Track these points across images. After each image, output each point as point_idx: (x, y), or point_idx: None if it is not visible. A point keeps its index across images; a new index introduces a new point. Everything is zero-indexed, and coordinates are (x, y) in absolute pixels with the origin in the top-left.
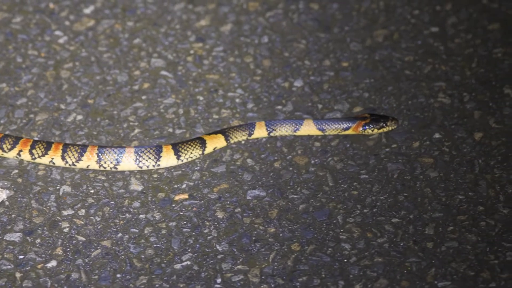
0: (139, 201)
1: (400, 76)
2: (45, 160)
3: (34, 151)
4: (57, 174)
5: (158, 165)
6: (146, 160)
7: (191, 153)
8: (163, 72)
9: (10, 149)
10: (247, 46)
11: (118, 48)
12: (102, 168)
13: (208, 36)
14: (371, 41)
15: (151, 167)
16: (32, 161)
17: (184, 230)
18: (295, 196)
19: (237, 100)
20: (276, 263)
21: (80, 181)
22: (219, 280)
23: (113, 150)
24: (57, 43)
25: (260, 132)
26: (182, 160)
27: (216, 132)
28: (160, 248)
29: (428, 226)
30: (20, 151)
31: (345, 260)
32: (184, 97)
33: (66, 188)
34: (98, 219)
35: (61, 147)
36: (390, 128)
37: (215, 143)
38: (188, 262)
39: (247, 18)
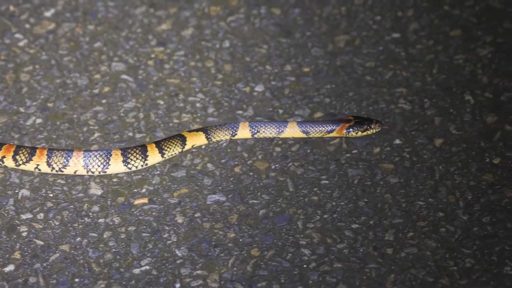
0: (99, 205)
1: (361, 81)
2: (30, 166)
3: (17, 157)
4: (16, 177)
5: (146, 164)
6: (135, 161)
7: (173, 150)
8: (124, 76)
9: None
10: (208, 51)
11: (79, 51)
12: (90, 173)
13: (169, 40)
14: (333, 47)
15: (140, 167)
16: (16, 167)
17: (144, 234)
18: (255, 201)
19: (198, 105)
20: (235, 268)
21: (39, 185)
22: (178, 285)
23: (99, 153)
24: (17, 46)
25: (244, 133)
26: (165, 157)
27: (197, 130)
28: (119, 253)
29: (388, 232)
30: (4, 157)
31: (305, 266)
32: (144, 101)
33: (25, 192)
34: (57, 223)
35: (46, 152)
36: (375, 131)
37: (195, 140)
38: (147, 267)
39: (208, 23)
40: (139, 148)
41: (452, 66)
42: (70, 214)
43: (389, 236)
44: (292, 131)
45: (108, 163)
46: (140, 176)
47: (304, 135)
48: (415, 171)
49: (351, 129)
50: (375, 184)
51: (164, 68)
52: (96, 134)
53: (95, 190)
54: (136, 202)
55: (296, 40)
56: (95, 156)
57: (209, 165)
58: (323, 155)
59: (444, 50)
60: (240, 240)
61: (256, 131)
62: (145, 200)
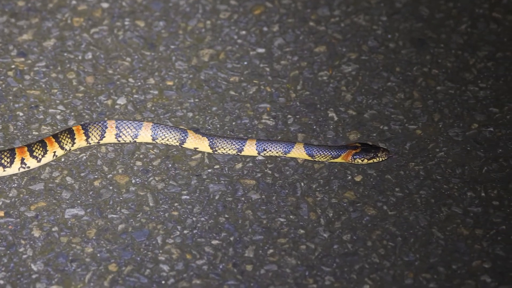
0: None
1: (225, 96)
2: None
3: None
4: None
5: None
6: (126, 136)
7: (167, 140)
8: None
9: None
10: (70, 62)
11: None
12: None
13: (31, 51)
14: (197, 61)
15: (128, 141)
16: None
17: None
18: (114, 215)
19: (58, 117)
20: (92, 284)
21: None
22: None
23: (97, 124)
24: None
25: (250, 150)
26: (156, 142)
27: (203, 134)
28: None
29: (248, 248)
30: None
31: (163, 282)
32: (3, 112)
33: None
34: None
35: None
36: (381, 159)
37: (197, 143)
38: (1, 282)
39: (71, 34)
40: (133, 124)
41: (316, 82)
42: None
43: (249, 252)
44: (298, 152)
45: (104, 133)
46: None
47: (309, 158)
48: (277, 187)
49: (357, 156)
50: (236, 200)
51: (24, 79)
52: None
53: None
54: None
55: (160, 53)
56: (94, 126)
57: (68, 178)
58: (185, 170)
59: (308, 66)
60: (98, 255)
61: (262, 149)
62: (1, 213)
